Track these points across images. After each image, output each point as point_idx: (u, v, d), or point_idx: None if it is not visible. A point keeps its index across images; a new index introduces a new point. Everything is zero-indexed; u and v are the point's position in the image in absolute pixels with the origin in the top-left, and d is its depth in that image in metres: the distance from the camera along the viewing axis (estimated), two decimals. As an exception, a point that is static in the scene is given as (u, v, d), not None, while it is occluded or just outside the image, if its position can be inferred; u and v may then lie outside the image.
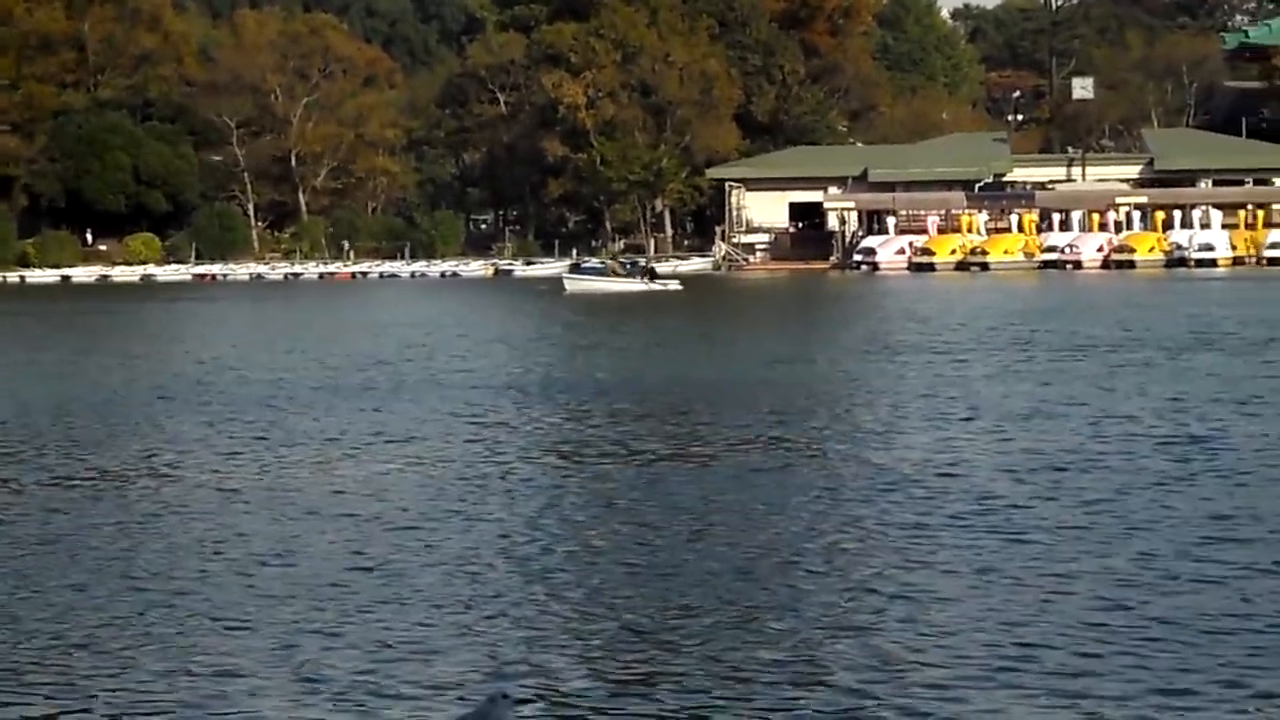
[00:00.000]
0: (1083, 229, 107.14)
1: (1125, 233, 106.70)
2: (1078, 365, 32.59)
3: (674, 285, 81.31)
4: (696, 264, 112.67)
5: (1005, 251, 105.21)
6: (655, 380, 31.34)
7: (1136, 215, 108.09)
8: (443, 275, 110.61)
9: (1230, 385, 27.74)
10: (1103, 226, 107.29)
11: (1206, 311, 51.41)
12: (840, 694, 10.28)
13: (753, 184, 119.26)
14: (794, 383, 30.27)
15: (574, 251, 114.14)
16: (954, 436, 21.85)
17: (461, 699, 10.18)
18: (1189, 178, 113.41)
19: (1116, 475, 18.06)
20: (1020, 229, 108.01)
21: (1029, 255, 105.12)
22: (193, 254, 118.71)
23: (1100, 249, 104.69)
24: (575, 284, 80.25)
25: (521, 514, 16.55)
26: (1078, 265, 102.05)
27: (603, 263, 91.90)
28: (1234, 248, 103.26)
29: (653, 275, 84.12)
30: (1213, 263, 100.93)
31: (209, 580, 13.66)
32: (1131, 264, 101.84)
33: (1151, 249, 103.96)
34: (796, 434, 22.51)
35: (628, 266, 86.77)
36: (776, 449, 21.02)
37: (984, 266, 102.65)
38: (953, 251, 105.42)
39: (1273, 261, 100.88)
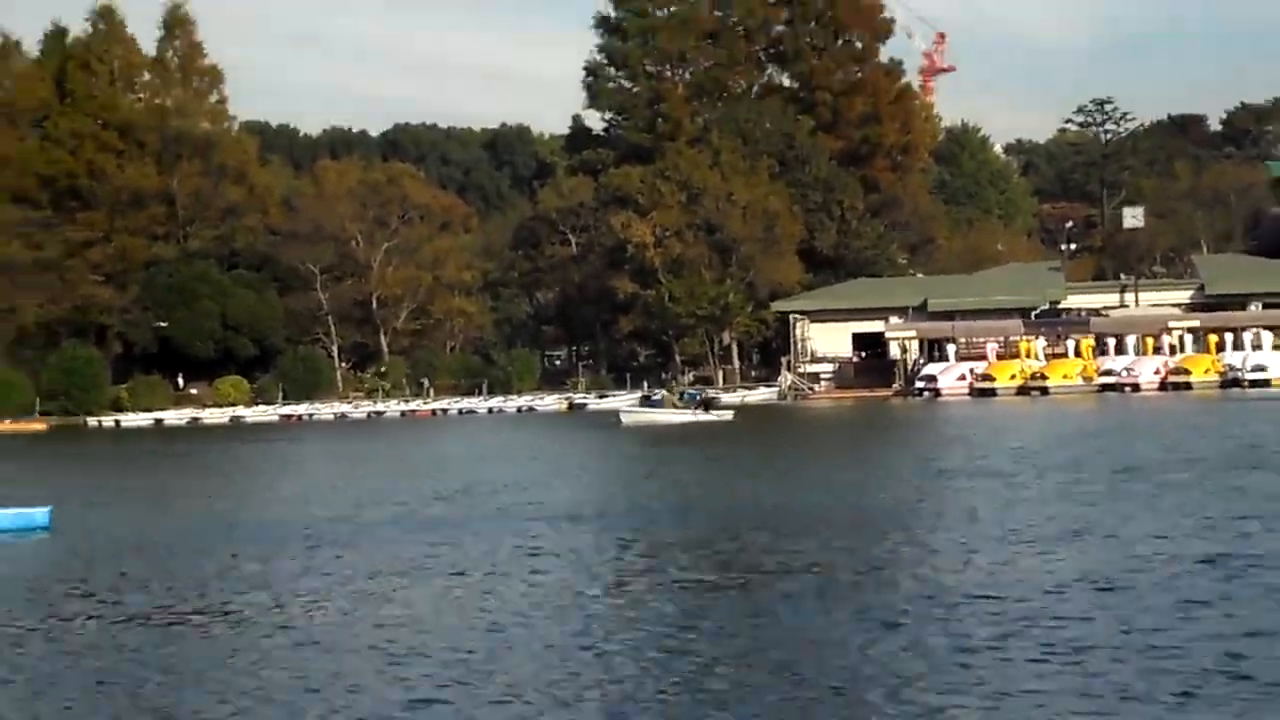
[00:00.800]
0: (1137, 353, 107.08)
1: (1180, 355, 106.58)
2: (1127, 486, 32.49)
3: (727, 415, 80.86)
4: (762, 393, 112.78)
5: (1064, 376, 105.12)
6: (704, 508, 31.34)
7: (1189, 339, 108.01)
8: (519, 410, 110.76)
9: (1261, 502, 27.66)
10: (1157, 350, 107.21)
11: (1257, 430, 51.14)
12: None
13: (816, 315, 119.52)
14: (846, 507, 30.22)
15: (645, 384, 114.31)
16: (1004, 559, 21.82)
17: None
18: (1239, 301, 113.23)
19: (1146, 596, 18.04)
20: (1077, 354, 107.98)
21: (1087, 379, 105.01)
22: (280, 395, 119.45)
23: (1157, 371, 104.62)
24: (631, 417, 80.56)
25: (569, 640, 16.56)
26: (1136, 388, 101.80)
27: (661, 396, 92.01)
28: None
29: (707, 406, 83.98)
30: (1266, 383, 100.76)
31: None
32: (1188, 385, 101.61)
33: (1206, 371, 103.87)
34: (844, 558, 22.48)
35: (686, 398, 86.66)
36: (822, 572, 21.01)
37: (1044, 391, 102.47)
38: (1012, 377, 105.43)
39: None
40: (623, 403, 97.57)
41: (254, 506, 36.38)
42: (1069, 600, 17.82)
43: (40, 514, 31.38)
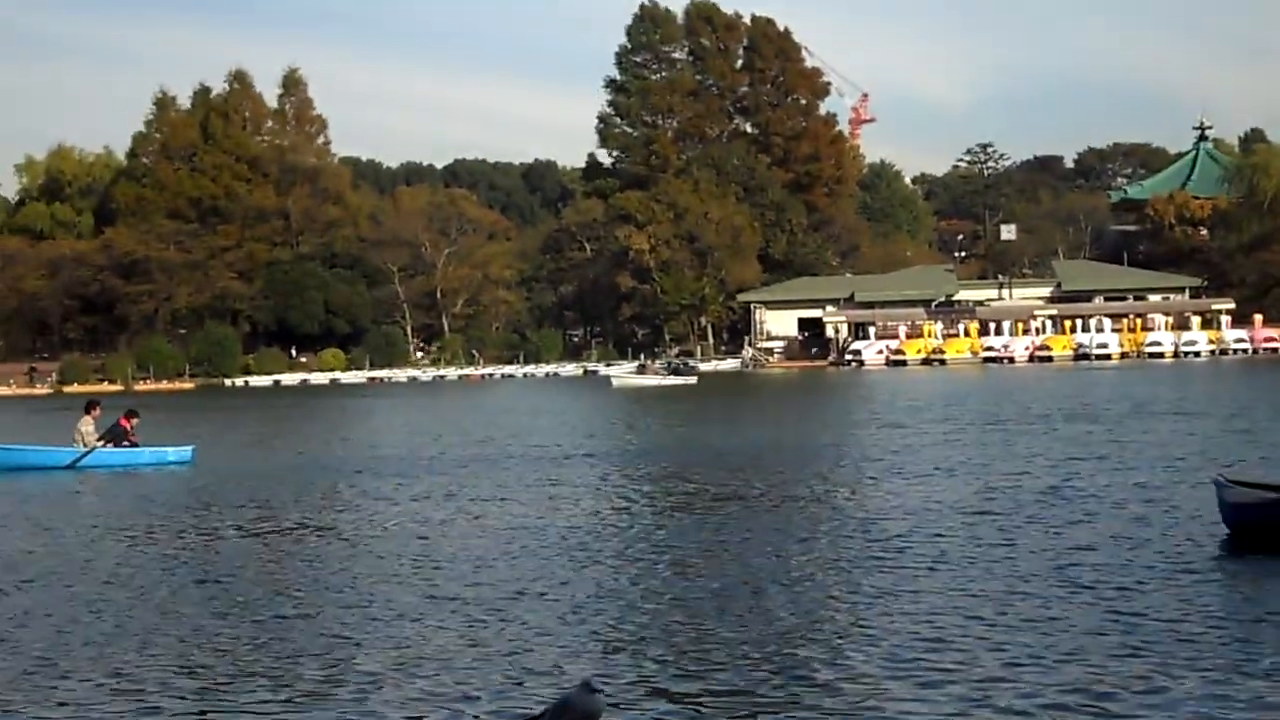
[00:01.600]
0: (1011, 334, 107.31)
1: (1044, 335, 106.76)
2: (991, 434, 32.63)
3: (692, 380, 79.89)
4: (729, 364, 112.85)
5: (958, 351, 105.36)
6: (670, 448, 31.37)
7: (1050, 324, 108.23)
8: (546, 375, 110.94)
9: (1087, 447, 27.79)
10: (1026, 332, 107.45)
11: (1096, 393, 51.30)
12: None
13: (771, 305, 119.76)
14: (780, 450, 30.27)
15: (641, 356, 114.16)
16: (896, 489, 21.92)
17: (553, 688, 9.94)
18: (1087, 295, 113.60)
19: (996, 518, 18.14)
20: (967, 334, 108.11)
21: (974, 354, 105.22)
22: (367, 363, 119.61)
23: (1027, 348, 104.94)
24: (618, 381, 79.97)
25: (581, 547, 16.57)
26: (1012, 360, 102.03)
27: (644, 364, 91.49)
28: (1122, 346, 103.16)
29: (676, 372, 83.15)
30: (1108, 356, 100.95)
31: (383, 584, 13.76)
32: (1050, 358, 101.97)
33: (1064, 348, 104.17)
34: (770, 489, 22.50)
35: (670, 366, 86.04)
36: (749, 499, 21.02)
37: (943, 362, 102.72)
38: (919, 351, 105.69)
39: (1152, 355, 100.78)
40: (616, 370, 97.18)
41: (346, 446, 36.42)
42: (938, 521, 17.88)
43: (185, 451, 31.37)
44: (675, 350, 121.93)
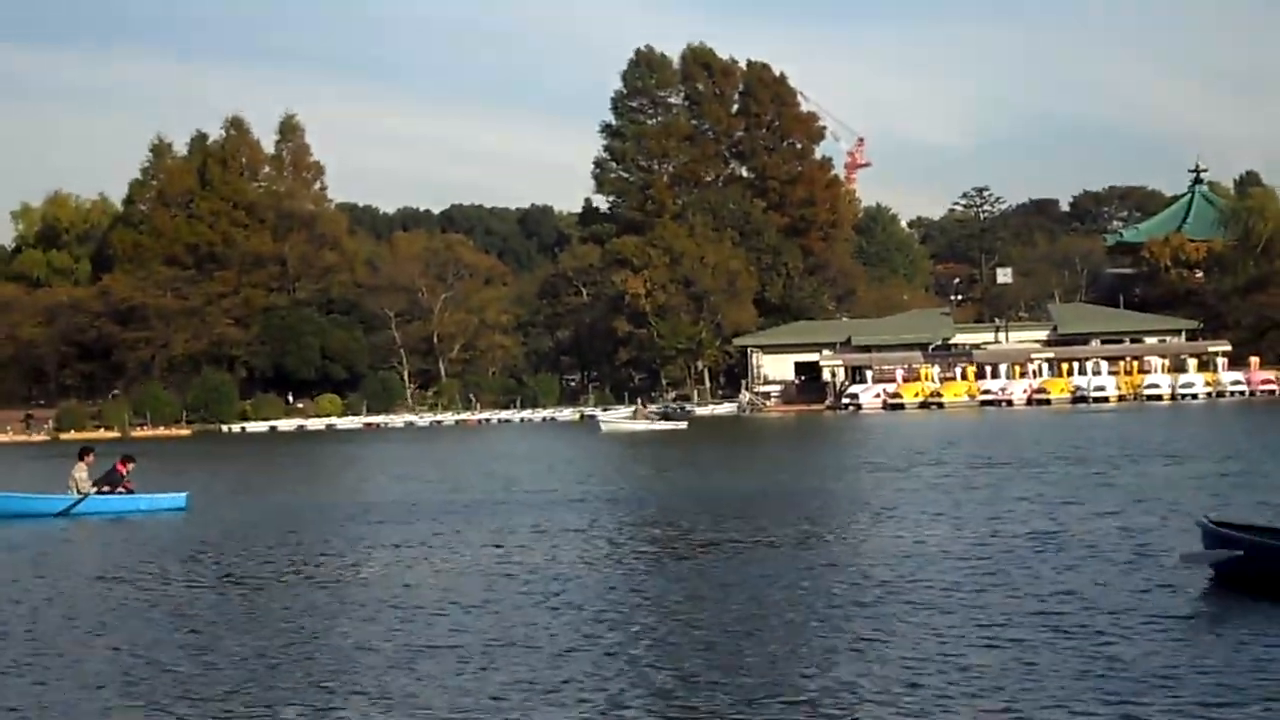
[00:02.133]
0: (1008, 377, 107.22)
1: (1041, 379, 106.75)
2: (977, 476, 32.64)
3: (682, 425, 78.37)
4: (726, 408, 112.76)
5: (955, 394, 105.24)
6: (662, 494, 31.31)
7: (1046, 366, 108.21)
8: (543, 420, 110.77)
9: (1072, 491, 27.80)
10: (1022, 375, 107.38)
11: (1090, 435, 51.26)
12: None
13: (767, 348, 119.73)
14: (774, 494, 30.18)
15: (639, 400, 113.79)
16: (883, 534, 21.91)
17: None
18: (1083, 338, 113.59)
19: (978, 563, 18.14)
20: (964, 377, 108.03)
21: (972, 396, 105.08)
22: (364, 409, 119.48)
23: (1025, 391, 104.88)
24: (607, 426, 78.57)
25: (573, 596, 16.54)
26: (1010, 403, 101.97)
27: (635, 411, 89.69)
28: (1119, 389, 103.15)
29: (666, 418, 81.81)
30: (1105, 399, 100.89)
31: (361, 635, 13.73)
32: (1048, 401, 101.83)
33: (1061, 390, 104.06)
34: (761, 533, 22.46)
35: (665, 410, 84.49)
36: (741, 543, 21.01)
37: (940, 405, 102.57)
38: (916, 395, 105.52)
39: (1150, 398, 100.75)
40: (606, 415, 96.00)
41: (340, 492, 36.37)
42: (925, 565, 17.88)
43: (180, 498, 31.29)
44: (672, 394, 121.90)
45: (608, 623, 14.65)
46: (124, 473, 30.77)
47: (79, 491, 30.14)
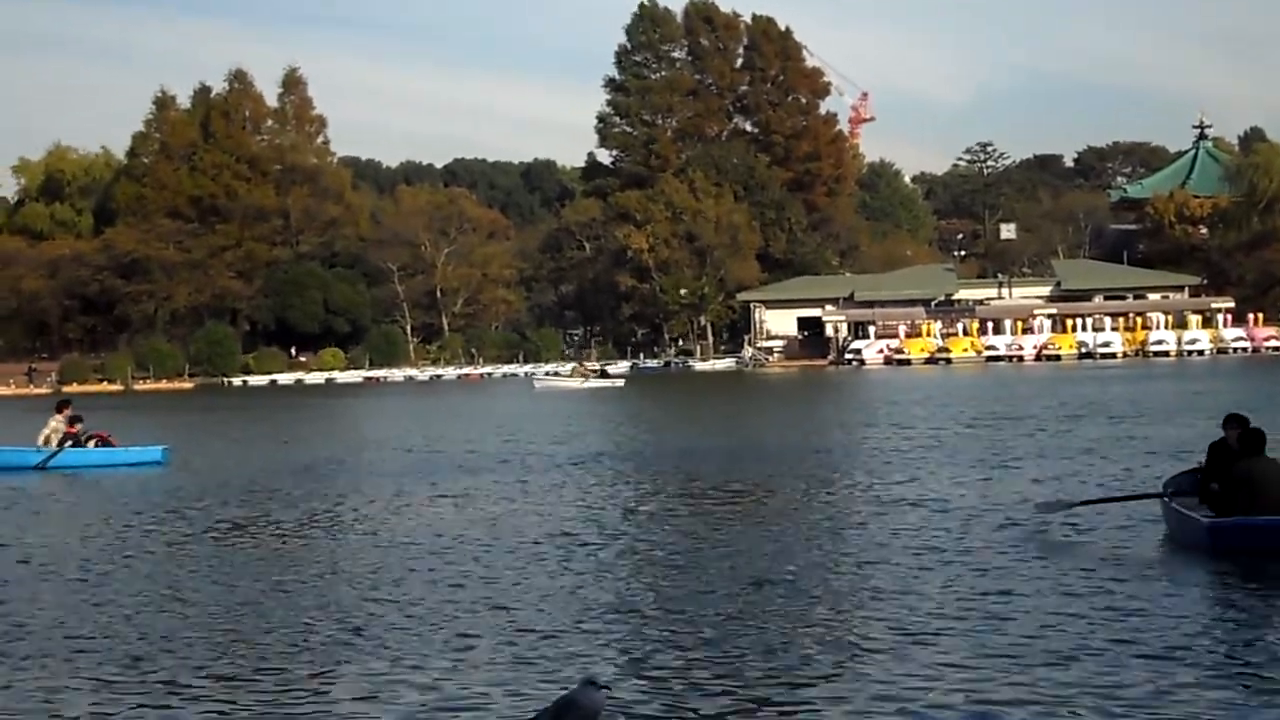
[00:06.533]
0: (1011, 334, 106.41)
1: (1045, 334, 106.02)
2: (984, 432, 31.76)
3: (620, 383, 76.33)
4: (725, 363, 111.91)
5: (963, 350, 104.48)
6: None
7: (1049, 323, 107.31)
8: (545, 374, 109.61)
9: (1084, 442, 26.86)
10: (1026, 331, 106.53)
11: (1088, 391, 50.28)
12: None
13: (770, 304, 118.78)
14: (774, 447, 29.26)
15: (640, 355, 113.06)
16: (868, 483, 20.94)
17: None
18: (1086, 295, 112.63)
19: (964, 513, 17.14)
20: (966, 334, 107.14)
21: (979, 352, 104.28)
22: (367, 363, 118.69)
23: (1036, 347, 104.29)
24: (540, 384, 77.08)
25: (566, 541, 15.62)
26: (1020, 359, 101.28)
27: (571, 369, 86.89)
28: (1125, 345, 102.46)
29: (603, 374, 80.00)
30: (1112, 355, 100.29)
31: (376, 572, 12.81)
32: (1058, 357, 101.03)
33: (1068, 346, 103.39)
34: (765, 480, 21.50)
35: (589, 369, 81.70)
36: (739, 494, 20.08)
37: (948, 361, 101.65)
38: (922, 350, 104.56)
39: (1156, 354, 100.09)
40: (623, 369, 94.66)
41: (331, 446, 35.41)
42: (905, 514, 17.16)
43: (156, 451, 30.28)
44: (674, 349, 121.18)
45: (610, 577, 13.58)
46: (75, 432, 29.47)
47: (48, 444, 29.13)
